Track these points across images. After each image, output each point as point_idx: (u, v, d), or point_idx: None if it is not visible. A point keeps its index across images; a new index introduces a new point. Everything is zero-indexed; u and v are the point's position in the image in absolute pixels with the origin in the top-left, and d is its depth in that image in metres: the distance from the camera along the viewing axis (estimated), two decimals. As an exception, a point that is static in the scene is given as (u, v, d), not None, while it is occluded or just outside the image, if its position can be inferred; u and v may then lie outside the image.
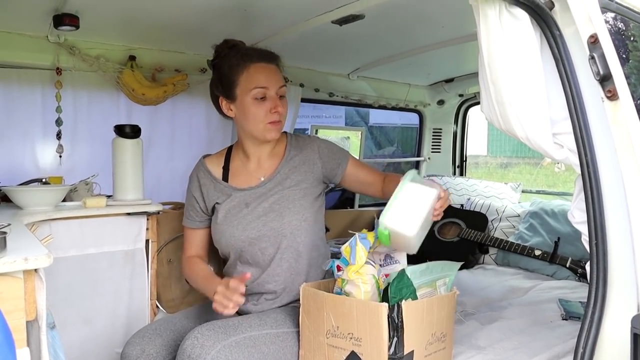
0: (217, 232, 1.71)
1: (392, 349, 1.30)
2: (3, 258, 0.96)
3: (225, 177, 1.75)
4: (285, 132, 1.79)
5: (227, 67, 1.66)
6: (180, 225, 2.21)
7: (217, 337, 1.38)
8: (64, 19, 1.89)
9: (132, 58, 2.31)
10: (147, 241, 1.97)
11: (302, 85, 2.89)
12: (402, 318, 1.29)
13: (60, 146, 2.25)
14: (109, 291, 1.87)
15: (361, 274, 1.42)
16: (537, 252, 2.59)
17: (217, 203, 1.73)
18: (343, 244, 2.91)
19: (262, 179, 1.71)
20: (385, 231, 1.38)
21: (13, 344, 0.73)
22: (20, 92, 2.17)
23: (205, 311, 1.68)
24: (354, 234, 1.47)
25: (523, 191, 3.41)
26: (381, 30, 2.21)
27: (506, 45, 1.16)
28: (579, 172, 1.15)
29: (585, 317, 1.11)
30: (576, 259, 2.46)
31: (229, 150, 1.82)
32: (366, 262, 1.44)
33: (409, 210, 1.39)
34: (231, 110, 1.69)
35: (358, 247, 1.43)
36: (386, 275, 1.49)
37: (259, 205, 1.67)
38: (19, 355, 0.81)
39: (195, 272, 1.74)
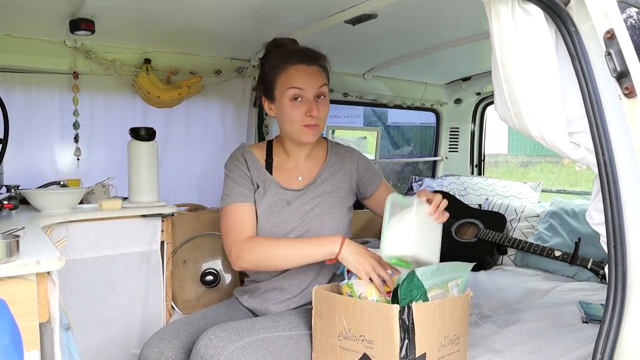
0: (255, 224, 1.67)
1: (404, 351, 1.28)
2: (16, 261, 0.97)
3: (269, 169, 1.72)
4: (325, 138, 1.82)
5: (268, 67, 1.66)
6: (196, 226, 2.24)
7: (230, 338, 1.38)
8: (80, 24, 1.92)
9: (147, 61, 2.34)
10: (162, 243, 1.99)
11: (317, 86, 2.88)
12: (412, 320, 1.27)
13: (77, 149, 2.29)
14: (124, 292, 1.89)
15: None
16: (557, 253, 2.53)
17: (257, 190, 1.69)
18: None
19: (300, 179, 1.71)
20: (393, 260, 1.44)
21: (21, 347, 0.74)
22: (38, 97, 2.22)
23: (222, 312, 1.69)
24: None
25: (543, 190, 3.34)
26: (395, 29, 2.20)
27: (519, 43, 1.14)
28: (596, 172, 1.12)
29: (604, 322, 1.08)
30: (598, 260, 2.41)
31: (269, 145, 1.78)
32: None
33: (398, 232, 1.43)
34: (272, 110, 1.69)
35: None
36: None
37: (300, 206, 1.66)
38: (27, 357, 0.82)
39: (281, 240, 1.60)
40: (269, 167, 1.72)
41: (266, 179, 1.70)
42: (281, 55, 1.64)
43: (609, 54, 1.03)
